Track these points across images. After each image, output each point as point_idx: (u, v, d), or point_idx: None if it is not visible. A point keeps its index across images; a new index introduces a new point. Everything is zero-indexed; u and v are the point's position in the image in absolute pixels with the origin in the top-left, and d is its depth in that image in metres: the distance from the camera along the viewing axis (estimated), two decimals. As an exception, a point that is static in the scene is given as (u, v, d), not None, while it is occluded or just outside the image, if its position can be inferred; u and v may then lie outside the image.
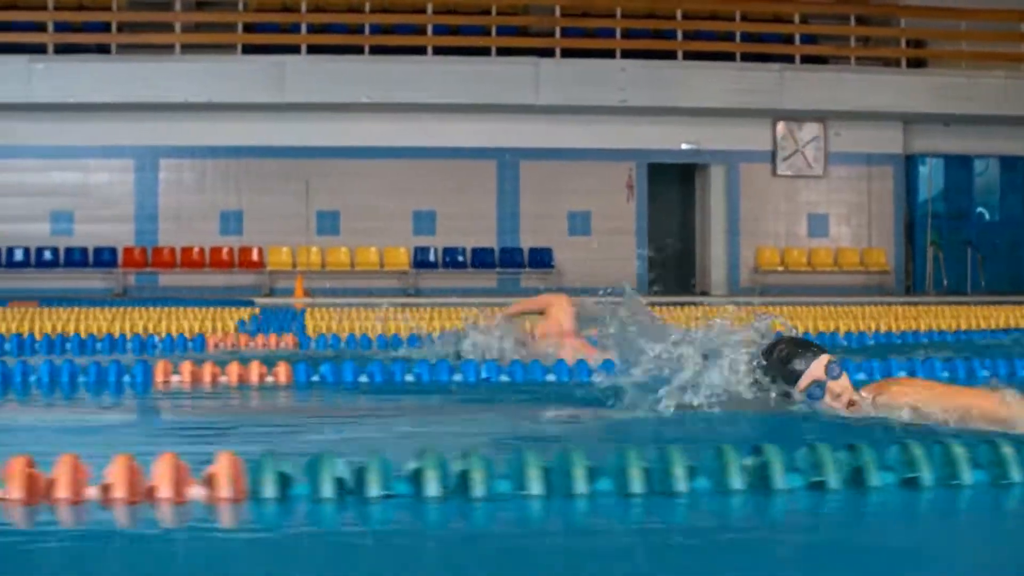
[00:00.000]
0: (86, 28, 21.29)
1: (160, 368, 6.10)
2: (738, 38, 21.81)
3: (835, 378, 4.24)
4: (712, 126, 21.73)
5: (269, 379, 6.07)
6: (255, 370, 6.09)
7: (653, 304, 14.30)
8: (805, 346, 4.35)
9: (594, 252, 21.68)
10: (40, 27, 21.09)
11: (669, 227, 22.66)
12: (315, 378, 6.13)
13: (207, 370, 6.12)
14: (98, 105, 20.75)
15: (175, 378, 6.07)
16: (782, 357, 4.29)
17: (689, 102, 21.19)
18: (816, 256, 22.28)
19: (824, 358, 4.26)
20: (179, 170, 21.48)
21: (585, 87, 20.94)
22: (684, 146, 21.70)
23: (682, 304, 15.13)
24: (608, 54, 21.32)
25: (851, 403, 4.25)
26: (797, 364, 4.26)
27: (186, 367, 6.12)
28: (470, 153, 21.53)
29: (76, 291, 20.61)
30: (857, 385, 4.41)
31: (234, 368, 6.13)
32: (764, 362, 4.34)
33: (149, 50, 21.32)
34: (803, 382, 4.24)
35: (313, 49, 21.00)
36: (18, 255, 21.39)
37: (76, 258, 21.37)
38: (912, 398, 4.22)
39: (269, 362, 6.24)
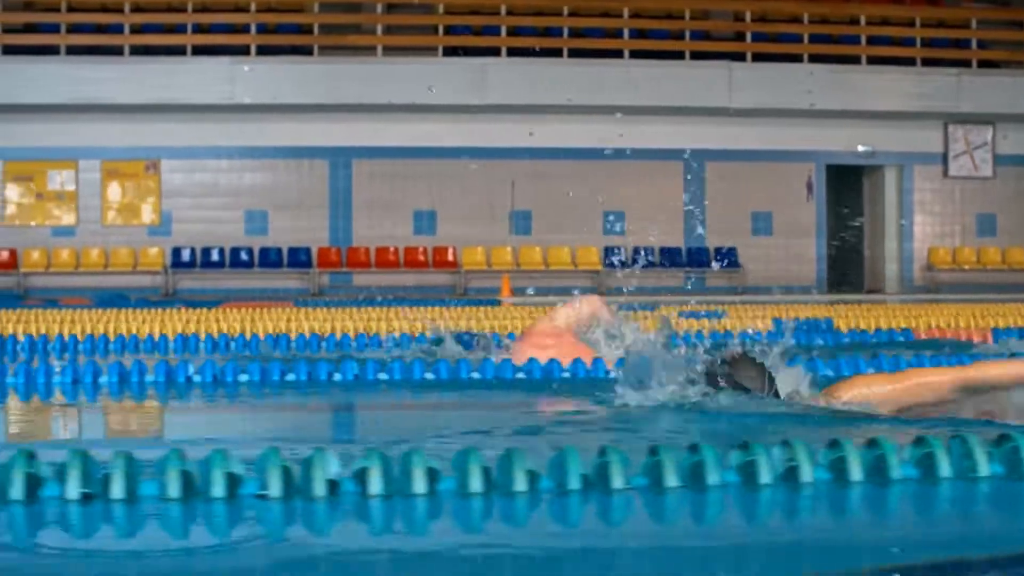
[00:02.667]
0: (286, 30, 21.48)
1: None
2: (918, 43, 22.45)
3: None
4: (886, 128, 22.35)
5: None
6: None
7: (835, 302, 14.96)
8: (754, 365, 4.73)
9: (776, 252, 22.23)
10: (243, 29, 21.26)
11: (840, 227, 23.25)
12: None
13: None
14: (294, 106, 20.96)
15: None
16: (740, 377, 4.66)
17: (870, 105, 21.82)
18: (985, 255, 22.99)
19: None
20: (373, 170, 21.69)
21: (774, 90, 21.48)
22: (860, 148, 22.30)
23: (861, 302, 15.70)
24: (795, 58, 21.88)
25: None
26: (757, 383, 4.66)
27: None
28: (659, 154, 21.95)
29: (272, 292, 20.79)
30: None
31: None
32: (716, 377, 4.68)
33: (349, 51, 21.53)
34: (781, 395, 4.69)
35: (513, 52, 21.34)
36: (214, 255, 21.50)
37: (271, 258, 21.51)
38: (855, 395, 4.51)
39: None
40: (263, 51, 21.14)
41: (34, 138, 21.29)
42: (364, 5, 21.83)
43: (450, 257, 21.75)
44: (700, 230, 22.26)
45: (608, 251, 22.07)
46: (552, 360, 6.41)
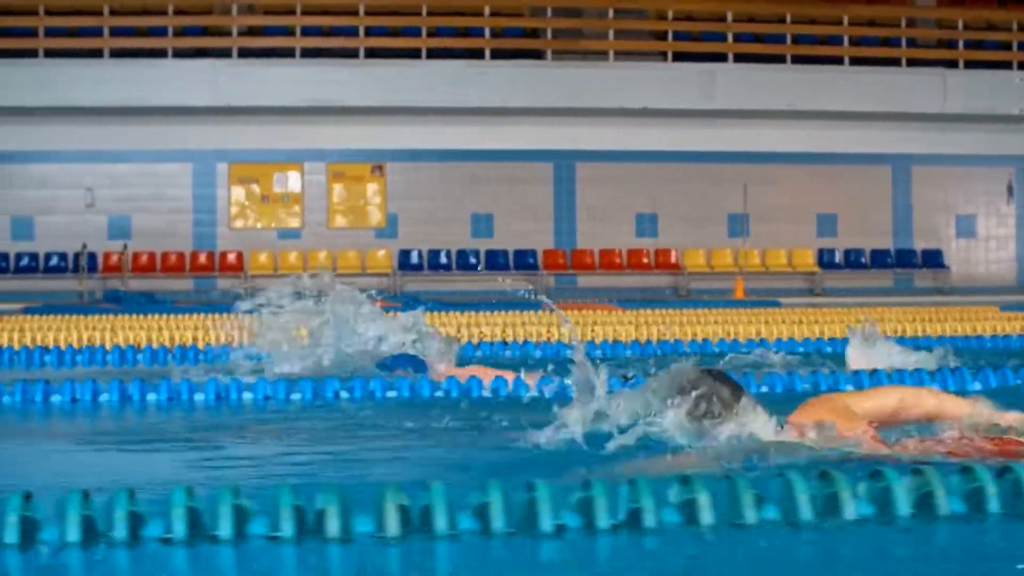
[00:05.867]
0: (514, 33, 21.67)
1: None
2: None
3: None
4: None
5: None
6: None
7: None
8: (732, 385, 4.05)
9: (978, 254, 22.85)
10: (475, 32, 21.43)
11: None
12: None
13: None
14: (521, 109, 21.12)
15: None
16: (717, 401, 3.92)
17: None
18: None
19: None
20: (596, 173, 21.93)
21: (984, 96, 22.09)
22: None
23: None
24: (1006, 66, 22.52)
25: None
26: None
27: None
28: (865, 159, 22.45)
29: (499, 294, 20.90)
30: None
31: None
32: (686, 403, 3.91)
33: (578, 56, 21.78)
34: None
35: (739, 58, 21.72)
36: (442, 258, 21.58)
37: (498, 261, 21.64)
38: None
39: None
40: (496, 55, 21.28)
41: (259, 140, 21.25)
42: (590, 10, 22.07)
43: (673, 259, 22.04)
44: (907, 232, 22.79)
45: (822, 253, 22.50)
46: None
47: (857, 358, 6.95)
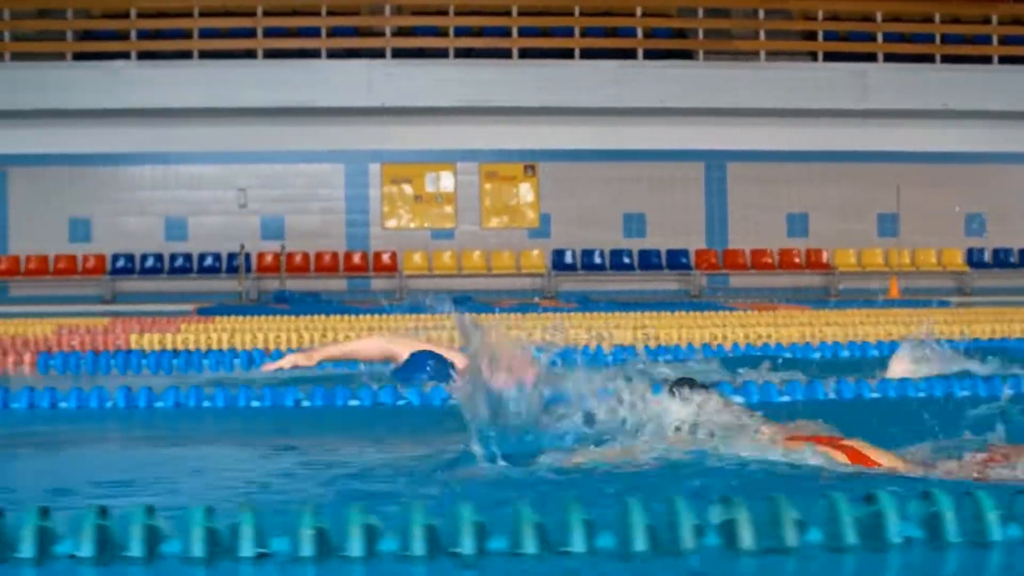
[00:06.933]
0: (663, 34, 21.71)
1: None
2: None
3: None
4: None
5: None
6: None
7: None
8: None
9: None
10: (628, 33, 21.47)
11: None
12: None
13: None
14: (673, 110, 21.11)
15: None
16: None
17: None
18: None
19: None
20: (747, 173, 21.90)
21: None
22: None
23: None
24: None
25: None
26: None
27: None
28: (1013, 158, 22.42)
29: (651, 294, 20.85)
30: None
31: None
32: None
33: (728, 56, 21.80)
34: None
35: (888, 58, 21.75)
36: (595, 258, 21.52)
37: (651, 261, 21.57)
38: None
39: None
40: (647, 55, 21.30)
41: (412, 140, 21.22)
42: (738, 10, 22.10)
43: (824, 259, 21.97)
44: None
45: (971, 252, 22.44)
46: None
47: (902, 366, 6.47)
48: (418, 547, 2.45)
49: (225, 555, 2.46)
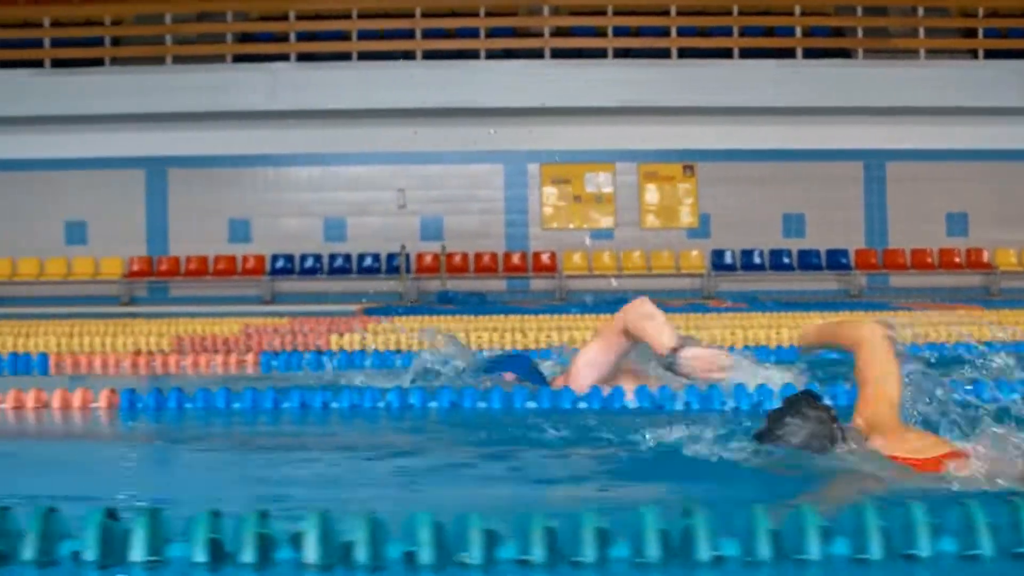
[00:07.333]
0: (821, 33, 21.60)
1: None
2: None
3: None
4: None
5: None
6: None
7: None
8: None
9: None
10: (786, 32, 21.37)
11: None
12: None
13: None
14: (836, 109, 20.97)
15: None
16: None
17: None
18: None
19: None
20: (903, 172, 21.71)
21: None
22: None
23: None
24: None
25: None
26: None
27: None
28: None
29: (811, 293, 20.68)
30: None
31: None
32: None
33: (891, 54, 21.66)
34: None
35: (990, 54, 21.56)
36: (755, 258, 21.38)
37: (811, 260, 21.40)
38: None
39: None
40: (806, 54, 21.19)
41: (571, 141, 21.18)
42: (896, 8, 21.98)
43: (984, 258, 21.73)
44: None
45: None
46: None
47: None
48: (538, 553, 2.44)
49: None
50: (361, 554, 2.45)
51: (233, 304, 19.32)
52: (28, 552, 2.42)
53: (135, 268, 21.38)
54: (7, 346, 9.38)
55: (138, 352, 8.97)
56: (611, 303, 15.31)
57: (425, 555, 2.44)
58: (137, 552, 2.42)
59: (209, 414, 5.50)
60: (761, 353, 8.34)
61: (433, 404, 5.58)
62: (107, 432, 5.35)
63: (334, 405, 5.62)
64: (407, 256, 20.86)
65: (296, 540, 2.47)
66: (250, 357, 8.54)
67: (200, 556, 2.44)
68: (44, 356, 8.46)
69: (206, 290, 21.13)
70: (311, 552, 2.42)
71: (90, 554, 2.43)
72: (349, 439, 4.98)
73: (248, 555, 2.45)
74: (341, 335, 9.80)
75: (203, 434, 5.14)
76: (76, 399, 5.76)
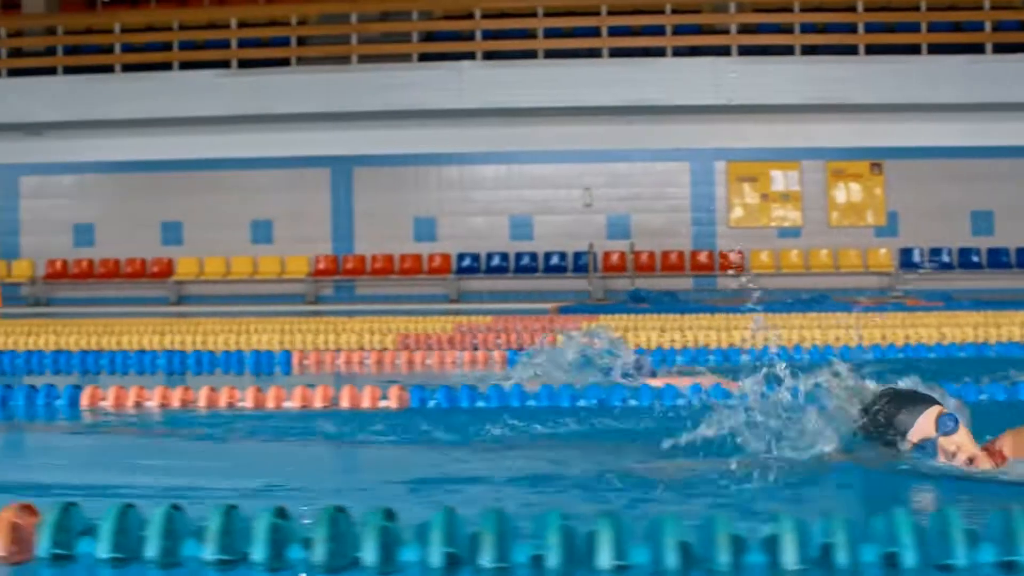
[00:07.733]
0: (1012, 27, 21.37)
1: None
2: None
3: (947, 434, 3.66)
4: None
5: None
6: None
7: None
8: (912, 399, 3.77)
9: None
10: (977, 27, 21.18)
11: None
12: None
13: None
14: (1019, 104, 20.74)
15: None
16: (886, 413, 3.76)
17: None
18: None
19: (933, 411, 3.70)
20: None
21: None
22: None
23: None
24: None
25: (971, 460, 3.66)
26: (902, 421, 3.72)
27: None
28: None
29: (1000, 292, 20.48)
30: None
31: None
32: (864, 418, 3.82)
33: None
34: (912, 438, 3.70)
35: None
36: (944, 257, 21.23)
37: (1000, 259, 21.23)
38: None
39: None
40: (998, 49, 20.97)
41: (757, 139, 21.10)
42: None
43: None
44: None
45: None
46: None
47: None
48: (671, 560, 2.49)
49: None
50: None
51: (418, 303, 19.41)
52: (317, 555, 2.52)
53: (321, 267, 21.52)
54: (237, 343, 9.48)
55: (362, 349, 9.06)
56: (805, 302, 15.28)
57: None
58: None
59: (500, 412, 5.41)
60: (969, 350, 8.59)
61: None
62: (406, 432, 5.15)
63: (632, 403, 5.69)
64: (594, 255, 20.87)
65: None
66: (496, 355, 8.61)
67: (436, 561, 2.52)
68: (287, 354, 8.50)
69: (391, 288, 21.24)
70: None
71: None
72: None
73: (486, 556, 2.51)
74: (556, 333, 9.80)
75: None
76: (365, 398, 5.77)
